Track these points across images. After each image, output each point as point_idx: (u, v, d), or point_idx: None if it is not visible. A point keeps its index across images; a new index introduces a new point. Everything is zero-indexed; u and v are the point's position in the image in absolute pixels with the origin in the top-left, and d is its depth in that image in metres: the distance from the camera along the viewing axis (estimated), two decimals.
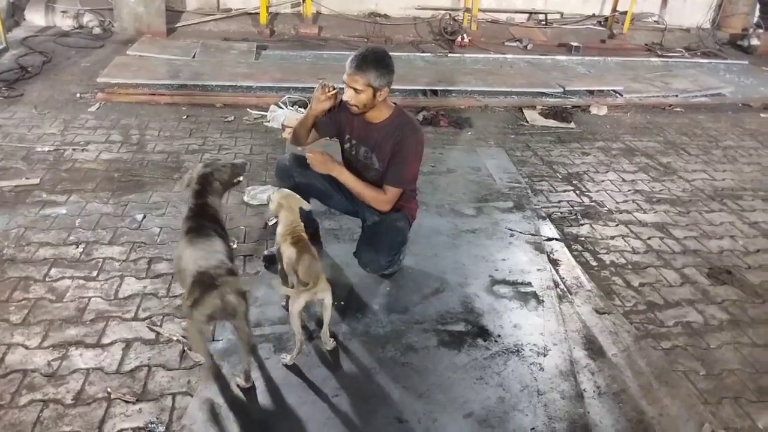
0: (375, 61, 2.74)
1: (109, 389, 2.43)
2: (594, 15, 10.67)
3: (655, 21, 10.75)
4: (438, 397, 2.49)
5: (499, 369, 2.67)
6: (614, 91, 7.09)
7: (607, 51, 9.46)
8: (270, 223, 3.75)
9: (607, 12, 10.55)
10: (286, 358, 2.60)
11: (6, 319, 2.78)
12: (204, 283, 2.18)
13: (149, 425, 2.28)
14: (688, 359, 2.88)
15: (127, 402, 2.38)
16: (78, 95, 5.89)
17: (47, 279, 3.10)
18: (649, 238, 3.98)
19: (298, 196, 2.83)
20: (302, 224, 2.75)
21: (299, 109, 5.64)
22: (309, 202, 3.21)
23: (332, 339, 2.73)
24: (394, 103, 3.02)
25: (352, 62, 2.76)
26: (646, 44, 10.01)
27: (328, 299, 2.53)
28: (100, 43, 7.89)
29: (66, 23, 8.42)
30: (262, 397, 2.45)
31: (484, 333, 2.89)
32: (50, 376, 2.48)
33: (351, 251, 3.16)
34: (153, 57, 7.06)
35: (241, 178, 2.89)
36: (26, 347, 2.62)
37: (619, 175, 4.98)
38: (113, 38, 8.15)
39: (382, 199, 2.99)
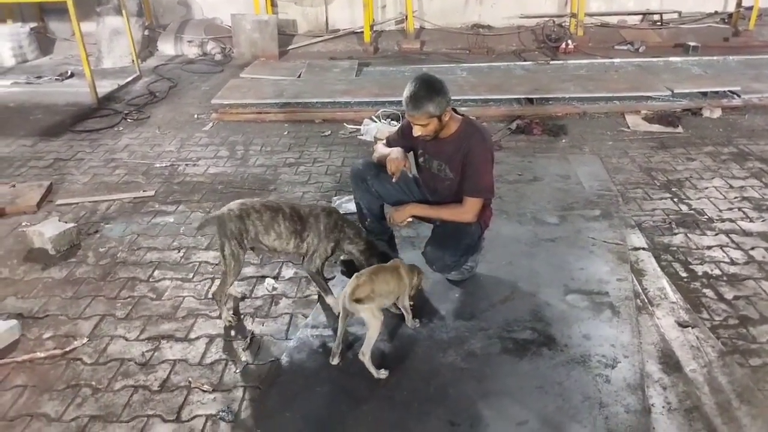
0: (427, 94, 2.78)
1: (190, 379, 2.69)
2: (716, 12, 9.94)
3: None
4: (493, 403, 2.50)
5: (561, 379, 2.61)
6: (731, 91, 6.56)
7: (730, 50, 8.70)
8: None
9: (731, 8, 9.77)
10: (334, 359, 2.74)
11: (113, 314, 3.16)
12: None
13: (220, 413, 2.49)
14: None
15: (204, 391, 2.62)
16: (195, 116, 6.48)
17: (151, 280, 3.47)
18: (752, 249, 3.67)
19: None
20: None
21: (392, 122, 5.82)
22: (383, 207, 3.36)
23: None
24: (462, 115, 3.07)
25: (408, 104, 2.83)
26: None
27: (365, 316, 2.63)
28: (220, 68, 8.60)
29: (192, 51, 9.28)
30: (319, 395, 2.59)
31: (550, 342, 2.84)
32: (143, 365, 2.79)
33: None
34: (263, 78, 7.60)
35: None
36: (126, 339, 2.97)
37: (727, 181, 4.61)
38: (232, 63, 8.85)
39: (461, 210, 3.02)
